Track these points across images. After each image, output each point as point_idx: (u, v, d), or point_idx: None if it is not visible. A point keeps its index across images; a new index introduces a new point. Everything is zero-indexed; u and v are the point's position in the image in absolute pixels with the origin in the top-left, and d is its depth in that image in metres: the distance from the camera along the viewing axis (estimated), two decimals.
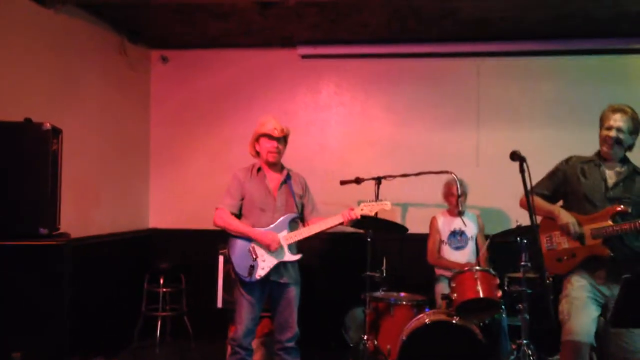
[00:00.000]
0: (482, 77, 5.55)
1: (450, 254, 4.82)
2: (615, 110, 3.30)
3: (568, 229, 3.27)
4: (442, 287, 4.65)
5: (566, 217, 3.30)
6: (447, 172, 4.73)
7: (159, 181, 5.96)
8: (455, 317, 3.93)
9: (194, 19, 5.05)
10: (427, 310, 4.23)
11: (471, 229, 4.86)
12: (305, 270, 5.36)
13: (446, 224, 4.89)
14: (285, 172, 3.90)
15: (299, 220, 3.93)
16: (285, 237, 3.73)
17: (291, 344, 3.84)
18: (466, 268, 4.13)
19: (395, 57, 5.64)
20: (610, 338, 3.12)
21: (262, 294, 3.79)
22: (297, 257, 3.79)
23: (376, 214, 3.94)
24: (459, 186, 4.59)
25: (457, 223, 4.85)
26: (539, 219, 3.40)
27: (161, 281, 5.37)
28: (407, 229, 4.72)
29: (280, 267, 3.74)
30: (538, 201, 3.44)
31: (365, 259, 4.29)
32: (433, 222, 4.97)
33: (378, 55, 5.65)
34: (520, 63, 5.50)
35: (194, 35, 5.50)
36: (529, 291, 4.06)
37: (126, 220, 5.53)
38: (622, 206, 3.17)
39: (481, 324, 4.11)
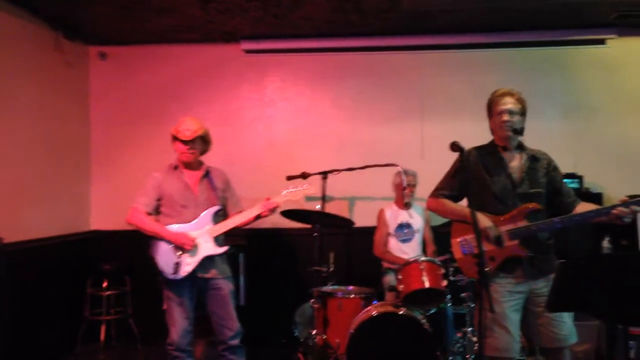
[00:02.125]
0: (425, 70, 5.62)
1: (397, 247, 4.85)
2: (502, 94, 3.17)
3: (487, 234, 3.07)
4: (389, 279, 4.68)
5: (483, 222, 3.08)
6: (392, 164, 4.77)
7: (100, 181, 5.79)
8: (401, 308, 3.95)
9: (133, 14, 4.91)
10: (375, 302, 4.25)
11: (417, 222, 4.90)
12: (254, 267, 5.36)
13: (393, 217, 4.92)
14: (204, 168, 3.87)
15: (223, 213, 3.87)
16: (210, 231, 3.68)
17: (235, 342, 3.77)
18: (412, 259, 4.17)
19: (339, 51, 5.64)
20: (539, 330, 3.10)
21: (192, 292, 3.71)
22: (224, 249, 3.72)
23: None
24: (404, 178, 4.63)
25: (404, 216, 4.89)
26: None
27: (104, 284, 5.23)
28: (353, 223, 4.73)
29: (206, 261, 3.66)
30: (447, 204, 3.31)
31: (313, 254, 4.29)
32: (380, 215, 4.98)
33: (322, 50, 5.63)
34: (461, 56, 5.58)
35: (134, 31, 5.36)
36: (473, 280, 4.15)
37: (66, 222, 5.35)
38: (534, 204, 3.09)
39: (427, 313, 4.16)
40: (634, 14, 4.93)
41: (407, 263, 4.12)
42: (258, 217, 3.79)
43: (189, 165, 3.81)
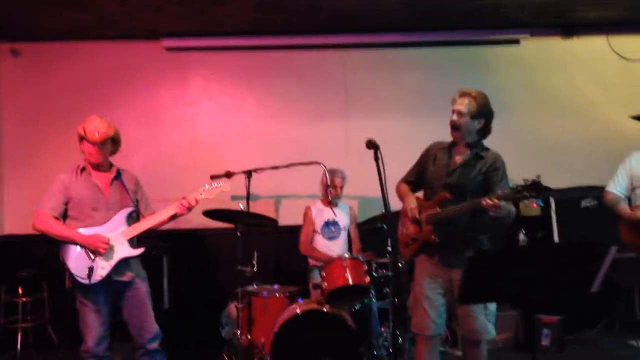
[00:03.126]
0: (348, 68, 5.67)
1: (323, 244, 4.87)
2: (461, 94, 3.27)
3: (407, 214, 3.31)
4: (315, 277, 4.69)
5: (408, 203, 3.33)
6: (316, 162, 4.79)
7: (13, 184, 5.53)
8: (325, 305, 3.98)
9: (45, 9, 4.72)
10: (300, 300, 4.26)
11: (343, 220, 4.94)
12: (178, 269, 5.27)
13: (319, 214, 4.93)
14: (114, 170, 3.71)
15: (136, 215, 3.74)
16: (124, 232, 3.54)
17: (154, 345, 3.63)
18: (336, 256, 4.20)
19: (263, 49, 5.62)
20: (459, 320, 3.24)
21: (107, 296, 3.55)
22: (139, 251, 3.58)
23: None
24: (328, 177, 4.65)
25: (329, 213, 4.91)
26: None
27: (20, 291, 5.01)
28: (276, 222, 4.71)
29: (122, 264, 3.53)
30: (402, 188, 3.52)
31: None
32: (307, 212, 4.99)
33: (246, 48, 5.60)
34: (384, 55, 5.67)
35: (48, 27, 5.15)
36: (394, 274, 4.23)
37: None
38: (445, 194, 3.20)
39: (353, 309, 4.20)
40: (544, 14, 5.16)
41: (331, 260, 4.15)
42: (174, 216, 3.69)
43: (98, 167, 3.65)
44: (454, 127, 3.27)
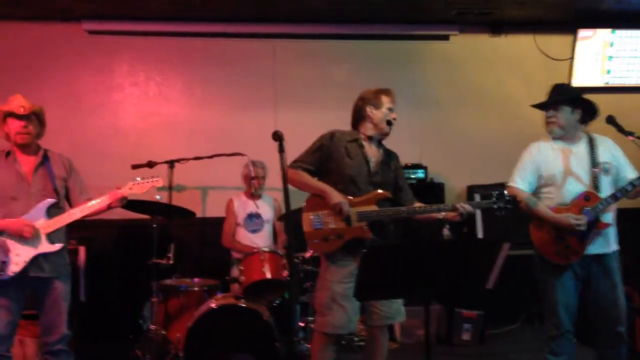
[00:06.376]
0: (278, 58, 5.59)
1: (246, 237, 4.80)
2: (389, 91, 3.37)
3: (340, 209, 3.14)
4: (236, 270, 4.62)
5: (338, 197, 3.17)
6: (240, 154, 4.72)
7: None
8: (242, 299, 3.90)
9: None
10: (219, 294, 4.17)
11: (267, 213, 4.88)
12: (98, 260, 5.07)
13: (242, 207, 4.86)
14: (41, 154, 3.48)
15: (62, 205, 3.51)
16: (43, 226, 3.32)
17: (59, 347, 3.43)
18: (254, 250, 4.14)
19: (190, 36, 5.48)
20: (370, 310, 3.26)
21: (21, 293, 3.34)
22: (57, 247, 3.36)
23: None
24: (251, 169, 4.57)
25: (252, 206, 4.84)
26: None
27: None
28: (194, 214, 4.60)
29: (40, 259, 3.32)
30: (306, 177, 3.32)
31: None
32: (229, 205, 4.91)
33: (173, 34, 5.45)
34: (313, 45, 5.63)
35: None
36: (316, 270, 4.19)
37: None
38: (386, 192, 3.24)
39: (273, 304, 4.15)
40: (471, 11, 5.22)
41: (249, 254, 4.09)
42: (109, 207, 3.48)
43: (24, 149, 3.41)
44: (391, 124, 3.33)
